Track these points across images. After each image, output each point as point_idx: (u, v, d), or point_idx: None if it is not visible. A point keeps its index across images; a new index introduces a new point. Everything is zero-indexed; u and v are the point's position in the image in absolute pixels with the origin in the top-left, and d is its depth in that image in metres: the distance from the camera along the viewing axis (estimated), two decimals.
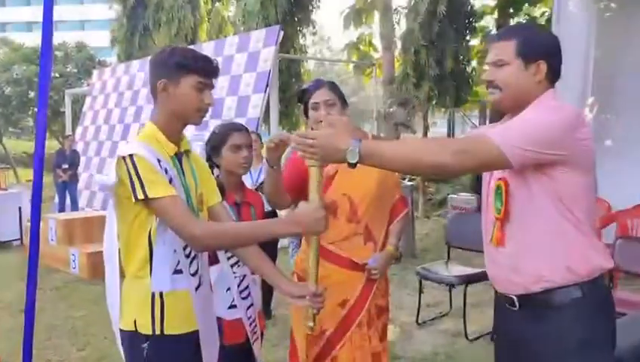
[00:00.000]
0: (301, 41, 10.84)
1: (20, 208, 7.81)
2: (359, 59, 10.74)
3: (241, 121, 6.96)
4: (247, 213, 2.34)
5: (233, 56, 7.49)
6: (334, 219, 2.22)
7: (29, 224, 7.11)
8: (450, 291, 4.60)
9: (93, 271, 5.83)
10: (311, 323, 1.72)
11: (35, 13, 50.33)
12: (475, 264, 4.43)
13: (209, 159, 2.34)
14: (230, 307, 2.30)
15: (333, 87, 2.28)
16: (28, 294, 3.08)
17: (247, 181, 4.32)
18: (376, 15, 10.01)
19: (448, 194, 9.80)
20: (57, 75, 13.85)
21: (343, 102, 2.28)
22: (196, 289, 1.74)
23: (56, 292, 5.48)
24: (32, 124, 15.71)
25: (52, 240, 6.62)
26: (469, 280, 4.11)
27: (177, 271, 1.71)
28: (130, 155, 1.61)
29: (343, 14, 10.65)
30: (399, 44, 8.94)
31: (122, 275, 1.78)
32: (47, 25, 3.15)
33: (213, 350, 1.87)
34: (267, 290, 4.43)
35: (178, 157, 1.77)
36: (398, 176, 2.41)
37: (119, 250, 1.78)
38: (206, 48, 8.32)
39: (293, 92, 10.65)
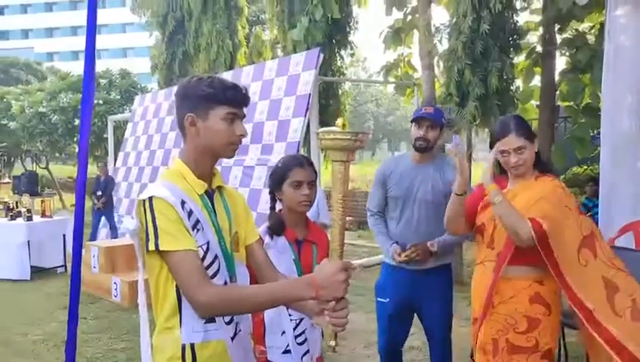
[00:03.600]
0: (339, 63, 10.76)
1: (64, 235, 7.89)
2: (398, 80, 10.57)
3: (281, 145, 6.88)
4: (309, 251, 2.23)
5: (273, 80, 7.45)
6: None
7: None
8: None
9: (135, 299, 5.77)
10: (332, 342, 1.58)
11: (81, 42, 52.29)
12: None
13: (272, 192, 2.27)
14: (284, 352, 2.18)
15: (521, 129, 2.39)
16: (69, 327, 3.01)
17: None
18: (416, 35, 9.86)
19: None
20: (101, 101, 14.16)
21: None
22: (232, 338, 1.63)
23: (97, 322, 5.43)
24: (76, 150, 16.06)
25: (94, 267, 6.63)
26: None
27: (210, 321, 1.59)
28: (150, 198, 1.52)
29: (382, 35, 10.54)
30: (440, 64, 8.74)
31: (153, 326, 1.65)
32: (90, 53, 3.12)
33: None
34: None
35: (209, 195, 1.65)
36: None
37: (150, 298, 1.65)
38: (246, 72, 8.33)
39: (330, 114, 10.56)
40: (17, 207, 8.12)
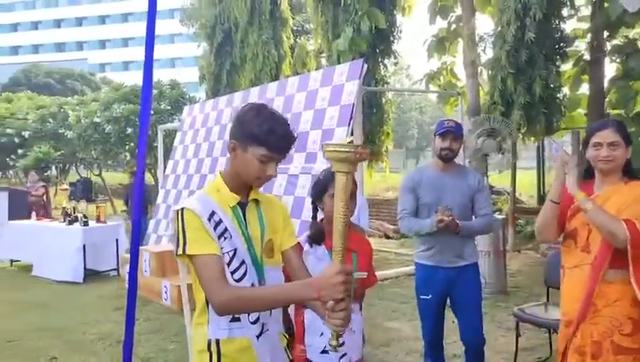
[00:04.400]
0: (382, 72, 10.83)
1: (117, 240, 8.23)
2: (441, 89, 10.57)
3: None
4: (348, 259, 2.26)
5: (317, 90, 7.59)
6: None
7: (125, 255, 7.51)
8: (549, 335, 4.31)
9: None
10: (334, 342, 1.62)
11: (131, 53, 54.08)
12: None
13: (313, 202, 2.37)
14: (322, 352, 2.27)
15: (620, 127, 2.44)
16: (127, 327, 3.19)
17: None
18: (460, 43, 9.85)
19: None
20: (152, 111, 14.65)
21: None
22: (258, 336, 1.78)
23: (149, 324, 5.67)
24: (128, 158, 16.65)
25: (145, 271, 6.90)
26: None
27: (235, 319, 1.75)
28: (182, 209, 1.71)
29: (426, 43, 10.56)
30: (484, 73, 8.71)
31: None
32: (148, 69, 3.32)
33: None
34: None
35: (242, 206, 1.81)
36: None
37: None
38: (291, 83, 8.50)
39: (374, 123, 10.64)
40: (74, 212, 8.53)
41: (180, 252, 1.68)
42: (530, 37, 7.25)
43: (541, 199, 11.62)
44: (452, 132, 3.33)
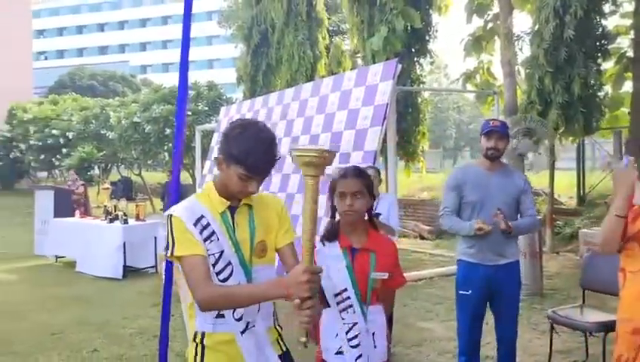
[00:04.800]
0: (418, 72, 10.78)
1: (155, 238, 8.45)
2: (478, 88, 10.44)
3: (358, 154, 7.02)
4: (364, 259, 2.26)
5: (351, 91, 7.61)
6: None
7: (162, 253, 7.67)
8: (585, 338, 4.23)
9: None
10: (303, 339, 1.65)
11: (171, 55, 55.16)
12: (611, 308, 4.04)
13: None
14: (337, 353, 2.27)
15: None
16: (163, 323, 3.30)
17: None
18: (497, 42, 9.71)
19: (579, 228, 9.11)
20: (190, 112, 14.93)
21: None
22: (242, 332, 1.88)
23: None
24: (167, 158, 17.01)
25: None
26: (608, 327, 3.75)
27: (220, 316, 1.87)
28: (170, 215, 1.84)
29: (463, 42, 10.46)
30: (522, 72, 8.57)
31: None
32: (184, 71, 3.42)
33: None
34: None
35: (231, 211, 1.91)
36: None
37: None
38: (325, 83, 8.56)
39: (409, 123, 10.59)
40: (115, 211, 8.79)
41: (169, 254, 1.81)
42: (570, 34, 7.10)
43: (581, 200, 11.35)
44: (497, 131, 3.39)
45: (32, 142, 23.43)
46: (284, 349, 2.04)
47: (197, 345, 1.91)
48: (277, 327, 2.04)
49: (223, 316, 1.86)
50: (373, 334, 2.27)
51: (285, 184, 7.78)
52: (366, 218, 2.36)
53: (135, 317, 5.91)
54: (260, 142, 1.81)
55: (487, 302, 3.55)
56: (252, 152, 1.78)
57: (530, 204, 3.49)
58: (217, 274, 1.84)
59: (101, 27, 65.50)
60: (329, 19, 14.21)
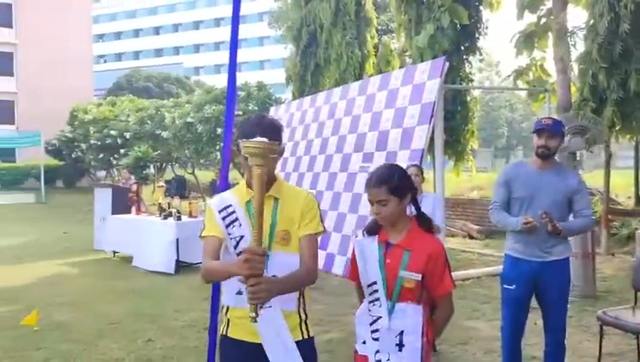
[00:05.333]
0: (467, 69, 10.64)
1: None
2: (530, 85, 10.21)
3: (405, 153, 7.03)
4: (396, 255, 2.26)
5: (398, 89, 7.62)
6: None
7: None
8: (638, 341, 4.12)
9: None
10: (252, 314, 1.87)
11: (223, 56, 56.29)
12: None
13: None
14: (363, 342, 2.33)
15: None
16: (212, 315, 3.44)
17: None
18: (550, 38, 9.48)
19: (637, 229, 8.79)
20: (240, 112, 15.25)
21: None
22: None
23: None
24: (218, 157, 17.43)
25: None
26: None
27: (239, 293, 2.09)
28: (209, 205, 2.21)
29: (514, 39, 10.25)
30: (575, 68, 8.34)
31: None
32: (232, 72, 3.55)
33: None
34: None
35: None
36: None
37: None
38: (373, 82, 8.59)
39: (458, 121, 10.47)
40: (169, 208, 9.11)
41: (199, 235, 2.17)
42: (625, 28, 6.88)
43: (639, 200, 10.93)
44: (548, 130, 3.39)
45: (92, 142, 24.45)
46: (307, 336, 2.18)
47: (224, 317, 2.20)
48: (301, 313, 2.18)
49: (241, 293, 2.04)
50: (401, 333, 2.23)
51: (332, 182, 7.86)
52: (410, 214, 2.33)
53: (187, 310, 6.14)
54: (257, 121, 2.11)
55: (533, 299, 3.52)
56: (250, 123, 2.10)
57: (584, 204, 3.45)
58: (237, 255, 2.09)
59: (156, 30, 67.55)
60: (377, 18, 14.19)
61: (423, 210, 4.62)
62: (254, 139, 1.84)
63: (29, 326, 5.33)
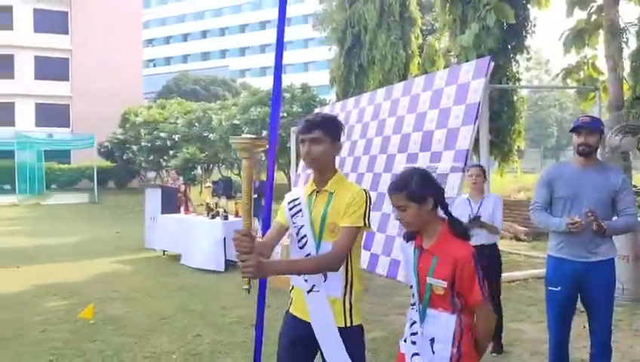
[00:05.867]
0: (514, 69, 10.48)
1: None
2: (580, 83, 9.96)
3: (450, 153, 6.99)
4: (426, 261, 2.23)
5: (443, 89, 7.59)
6: None
7: None
8: None
9: None
10: (245, 286, 2.20)
11: (268, 59, 56.98)
12: None
13: None
14: (405, 340, 2.36)
15: None
16: (258, 312, 3.54)
17: (466, 211, 4.49)
18: (601, 35, 9.23)
19: None
20: (285, 114, 15.45)
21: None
22: (308, 292, 2.32)
23: (280, 311, 6.09)
24: (262, 158, 17.68)
25: None
26: None
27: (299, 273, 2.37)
28: None
29: (563, 36, 10.03)
30: (627, 66, 8.10)
31: None
32: (278, 74, 3.64)
33: (330, 344, 2.29)
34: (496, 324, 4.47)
35: (316, 194, 2.38)
36: None
37: None
38: (417, 83, 8.57)
39: (504, 121, 10.32)
40: (216, 208, 9.34)
41: None
42: None
43: None
44: (586, 127, 3.36)
45: (142, 143, 25.23)
46: (350, 324, 2.29)
47: (290, 294, 2.46)
48: (346, 302, 2.29)
49: (299, 273, 2.30)
50: (432, 340, 2.19)
51: (376, 183, 7.88)
52: (440, 217, 2.26)
53: (234, 306, 6.30)
54: (313, 113, 2.43)
55: (578, 300, 3.48)
56: (304, 116, 2.42)
57: (628, 203, 3.38)
58: (298, 241, 2.35)
59: (204, 34, 68.97)
60: (422, 18, 14.12)
61: (482, 211, 4.62)
62: (242, 136, 2.13)
63: (86, 319, 5.60)
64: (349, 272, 2.30)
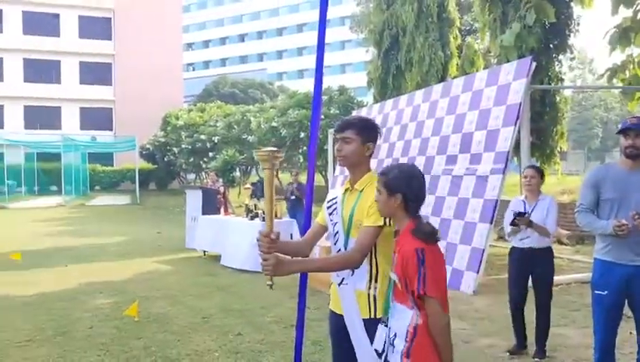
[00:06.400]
0: (557, 68, 10.27)
1: (291, 234, 8.96)
2: (626, 83, 9.67)
3: (490, 155, 6.92)
4: (395, 258, 2.28)
5: (482, 91, 7.52)
6: None
7: None
8: None
9: None
10: (268, 282, 2.41)
11: (306, 61, 57.34)
12: None
13: None
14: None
15: None
16: (299, 313, 3.58)
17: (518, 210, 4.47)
18: None
19: None
20: (323, 116, 15.54)
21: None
22: (339, 284, 2.46)
23: (319, 312, 6.14)
24: (301, 160, 17.82)
25: None
26: None
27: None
28: None
29: (607, 35, 9.76)
30: None
31: None
32: (319, 77, 3.68)
33: (356, 333, 2.38)
34: (543, 329, 4.40)
35: (349, 192, 2.53)
36: None
37: None
38: (456, 84, 8.51)
39: (547, 122, 10.13)
40: (255, 209, 9.46)
41: None
42: None
43: None
44: (633, 129, 3.30)
45: (183, 146, 25.76)
46: (373, 316, 2.36)
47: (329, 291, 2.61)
48: (370, 295, 2.38)
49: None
50: (395, 335, 2.20)
51: (434, 186, 7.80)
52: (409, 217, 2.25)
53: (273, 306, 6.38)
54: (356, 115, 2.55)
55: (626, 304, 3.41)
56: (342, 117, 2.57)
57: None
58: (333, 237, 2.50)
59: (242, 38, 69.85)
60: (460, 18, 13.98)
61: (536, 213, 4.60)
62: (263, 149, 2.29)
63: (130, 316, 5.77)
64: (374, 266, 2.39)
